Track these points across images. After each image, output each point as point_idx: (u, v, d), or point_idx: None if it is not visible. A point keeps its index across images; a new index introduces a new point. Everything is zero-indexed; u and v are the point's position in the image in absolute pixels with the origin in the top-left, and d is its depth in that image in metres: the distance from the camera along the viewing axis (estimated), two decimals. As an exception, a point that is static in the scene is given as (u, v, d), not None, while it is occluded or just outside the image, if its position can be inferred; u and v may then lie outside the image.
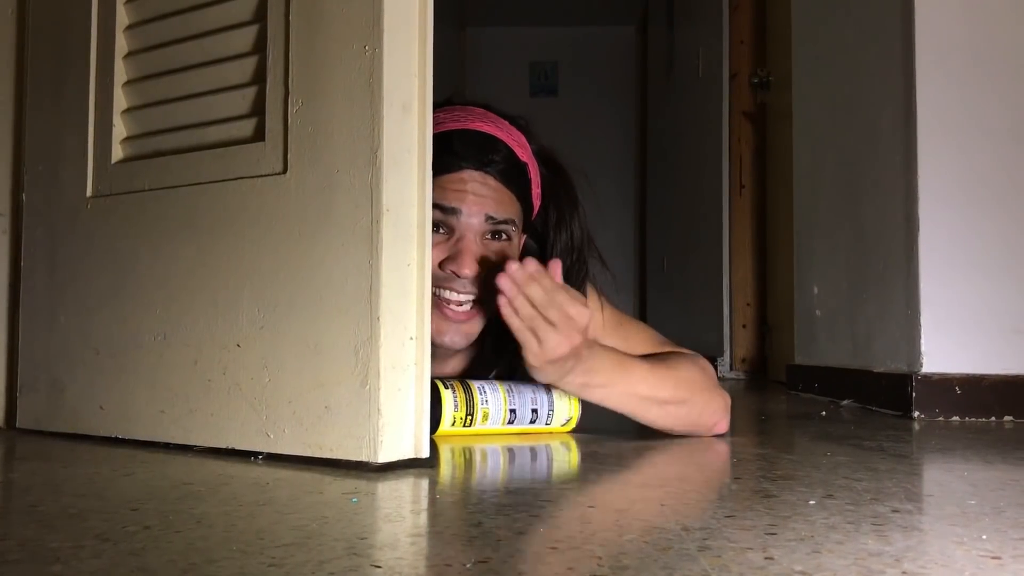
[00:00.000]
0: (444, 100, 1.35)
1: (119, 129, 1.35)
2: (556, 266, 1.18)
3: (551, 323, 1.14)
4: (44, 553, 0.69)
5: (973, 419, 1.83)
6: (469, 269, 1.25)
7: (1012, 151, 1.92)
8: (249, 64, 1.20)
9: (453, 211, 1.26)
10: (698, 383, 1.34)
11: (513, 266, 1.13)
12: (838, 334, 2.37)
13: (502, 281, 1.13)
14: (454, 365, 1.41)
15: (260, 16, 1.19)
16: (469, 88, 6.53)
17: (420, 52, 1.09)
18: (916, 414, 1.84)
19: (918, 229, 1.91)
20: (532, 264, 1.14)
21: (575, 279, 1.35)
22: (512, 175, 1.30)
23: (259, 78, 1.19)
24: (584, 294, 1.34)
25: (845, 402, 2.17)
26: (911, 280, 1.93)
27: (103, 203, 1.34)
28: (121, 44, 1.35)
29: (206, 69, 1.25)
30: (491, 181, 1.28)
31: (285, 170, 1.14)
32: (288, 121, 1.14)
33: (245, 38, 1.21)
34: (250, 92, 1.20)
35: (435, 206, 1.22)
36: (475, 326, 1.31)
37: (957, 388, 1.85)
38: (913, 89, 1.93)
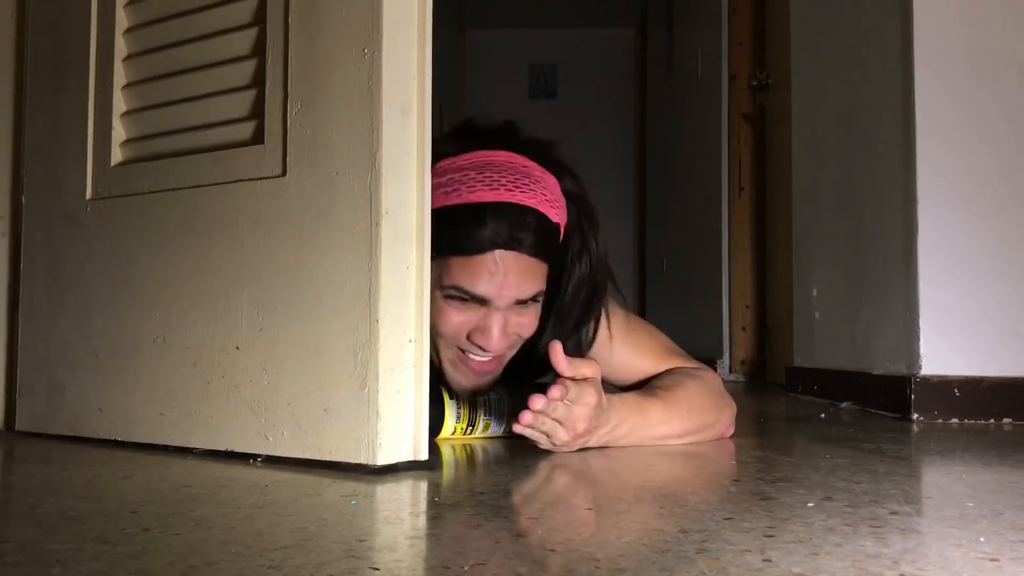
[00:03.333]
0: (464, 122, 1.32)
1: (119, 132, 1.35)
2: (556, 347, 1.15)
3: (557, 421, 1.15)
4: (43, 555, 0.69)
5: (972, 421, 1.83)
6: (497, 344, 1.24)
7: (1010, 154, 1.92)
8: (248, 67, 1.21)
9: (482, 300, 1.22)
10: (708, 405, 1.36)
11: (538, 403, 1.12)
12: (837, 336, 2.37)
13: (525, 418, 1.14)
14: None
15: (259, 19, 1.19)
16: (469, 91, 6.54)
17: (419, 55, 1.09)
18: (915, 416, 1.84)
19: (917, 231, 1.91)
20: (555, 392, 1.13)
21: (593, 305, 1.35)
22: (544, 244, 1.25)
23: (258, 81, 1.19)
24: (599, 318, 1.35)
25: (844, 404, 2.17)
26: (910, 282, 1.93)
27: (102, 205, 1.34)
28: (121, 47, 1.35)
29: (205, 72, 1.26)
30: (523, 260, 1.22)
31: (284, 173, 1.14)
32: (287, 124, 1.14)
33: (244, 41, 1.21)
34: (249, 95, 1.20)
35: (463, 291, 1.21)
36: (499, 369, 1.30)
37: (956, 390, 1.85)
38: (912, 92, 1.93)
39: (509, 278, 1.21)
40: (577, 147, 1.45)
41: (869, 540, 0.74)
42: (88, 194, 1.36)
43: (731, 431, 1.43)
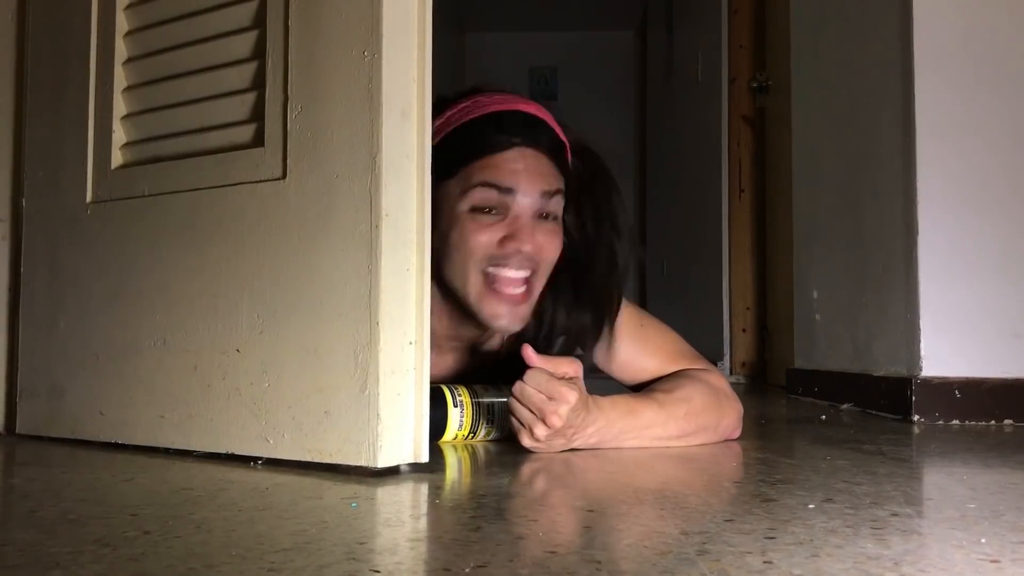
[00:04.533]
0: (472, 88, 1.36)
1: (119, 134, 1.35)
2: (527, 348, 1.18)
3: (531, 411, 1.17)
4: (44, 558, 0.69)
5: (973, 423, 1.83)
6: (531, 244, 1.25)
7: (1011, 155, 1.92)
8: (248, 69, 1.21)
9: (509, 191, 1.26)
10: (709, 408, 1.34)
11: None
12: (838, 338, 2.37)
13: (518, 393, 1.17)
14: (472, 363, 1.42)
15: (259, 22, 1.19)
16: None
17: (419, 58, 1.09)
18: (916, 418, 1.84)
19: (917, 233, 1.91)
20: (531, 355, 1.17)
21: (621, 274, 1.36)
22: (557, 152, 1.31)
23: (258, 83, 1.19)
24: (620, 294, 1.36)
25: (845, 406, 2.17)
26: (910, 284, 1.93)
27: (103, 208, 1.34)
28: (121, 50, 1.36)
29: (205, 75, 1.26)
30: (542, 157, 1.29)
31: (284, 175, 1.14)
32: (287, 126, 1.14)
33: (244, 44, 1.21)
34: (249, 97, 1.20)
35: (491, 185, 1.25)
36: (527, 308, 1.30)
37: (957, 392, 1.85)
38: (912, 93, 1.93)
39: (531, 170, 1.27)
40: (595, 148, 1.45)
41: (870, 542, 0.74)
42: (88, 197, 1.36)
43: (737, 433, 1.42)
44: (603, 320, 1.35)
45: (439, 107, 1.30)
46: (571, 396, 1.16)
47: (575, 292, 1.34)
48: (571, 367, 1.19)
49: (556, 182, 1.30)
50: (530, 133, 1.29)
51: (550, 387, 1.16)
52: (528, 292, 1.29)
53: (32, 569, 0.66)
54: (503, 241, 1.25)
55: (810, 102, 2.65)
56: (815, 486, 1.01)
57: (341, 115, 1.09)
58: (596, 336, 1.35)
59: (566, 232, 1.35)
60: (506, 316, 1.27)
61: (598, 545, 0.74)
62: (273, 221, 1.14)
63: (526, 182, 1.26)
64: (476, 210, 1.25)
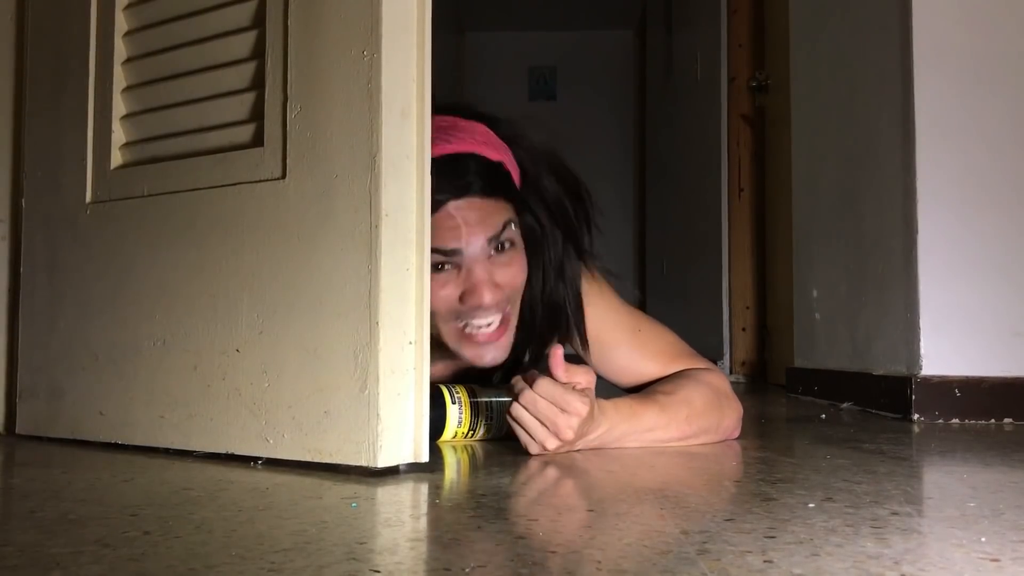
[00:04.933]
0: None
1: (118, 135, 1.35)
2: (557, 351, 1.16)
3: (542, 423, 1.16)
4: (44, 559, 0.69)
5: (972, 421, 1.83)
6: (489, 298, 1.23)
7: (1011, 154, 1.92)
8: (248, 69, 1.21)
9: (454, 252, 1.23)
10: (710, 409, 1.34)
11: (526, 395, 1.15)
12: (837, 337, 2.37)
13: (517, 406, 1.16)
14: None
15: (259, 21, 1.19)
16: (468, 93, 6.54)
17: (419, 57, 1.09)
18: (916, 417, 1.84)
19: (917, 232, 1.91)
20: (541, 384, 1.15)
21: (568, 246, 1.34)
22: (492, 183, 1.26)
23: (258, 83, 1.19)
24: (577, 267, 1.35)
25: (845, 405, 2.17)
26: (910, 283, 1.93)
27: (102, 209, 1.34)
28: (120, 50, 1.36)
29: (205, 75, 1.26)
30: (476, 202, 1.24)
31: (284, 175, 1.14)
32: (287, 126, 1.14)
33: (243, 43, 1.21)
34: (249, 97, 1.20)
35: (435, 251, 1.20)
36: (509, 338, 1.29)
37: (956, 390, 1.85)
38: (911, 92, 1.93)
39: (470, 223, 1.23)
40: (576, 149, 1.45)
41: (870, 541, 0.74)
42: (88, 197, 1.36)
43: (737, 433, 1.42)
44: (574, 282, 1.34)
45: None
46: (583, 409, 1.15)
47: (544, 267, 1.33)
48: (585, 377, 1.18)
49: (502, 215, 1.26)
50: (454, 182, 1.22)
51: (564, 400, 1.14)
52: (505, 324, 1.27)
53: (32, 570, 0.66)
54: (463, 297, 1.24)
55: (810, 101, 2.65)
56: (815, 485, 1.01)
57: (340, 115, 1.09)
58: (571, 300, 1.34)
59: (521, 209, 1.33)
60: (489, 354, 1.27)
61: (598, 544, 0.74)
62: (273, 221, 1.14)
63: (468, 236, 1.22)
64: (432, 269, 1.22)
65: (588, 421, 1.18)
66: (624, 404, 1.28)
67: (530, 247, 1.33)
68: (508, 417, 1.18)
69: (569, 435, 1.16)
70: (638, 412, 1.28)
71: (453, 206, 1.22)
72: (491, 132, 1.30)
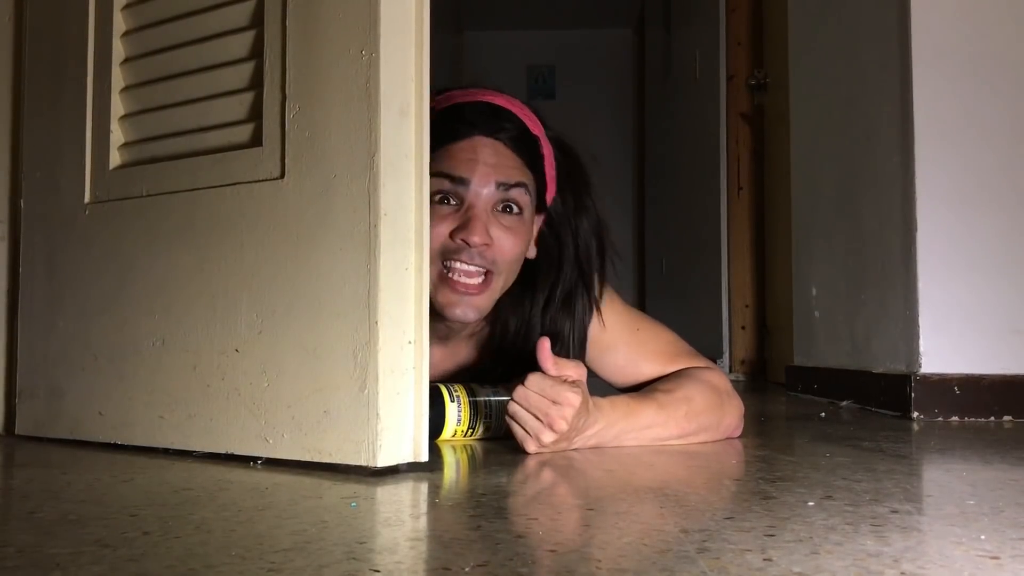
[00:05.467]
0: (455, 85, 1.35)
1: (117, 135, 1.35)
2: (544, 343, 1.16)
3: (536, 417, 1.16)
4: (43, 559, 0.69)
5: (972, 419, 1.83)
6: (479, 236, 1.23)
7: (1009, 152, 1.92)
8: (246, 69, 1.21)
9: (462, 181, 1.24)
10: (710, 407, 1.34)
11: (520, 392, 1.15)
12: (837, 335, 2.37)
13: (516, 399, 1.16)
14: (465, 354, 1.41)
15: (257, 21, 1.19)
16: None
17: (417, 56, 1.09)
18: (915, 414, 1.84)
19: (916, 230, 1.91)
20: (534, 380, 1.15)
21: (593, 272, 1.36)
22: (523, 144, 1.29)
23: (256, 83, 1.19)
24: (601, 290, 1.36)
25: (844, 403, 2.17)
26: (909, 281, 1.93)
27: (101, 209, 1.34)
28: (118, 50, 1.35)
29: (203, 74, 1.26)
30: (502, 148, 1.26)
31: (283, 175, 1.14)
32: (285, 126, 1.14)
33: (242, 43, 1.21)
34: (247, 97, 1.20)
35: (444, 175, 1.23)
36: (486, 299, 1.28)
37: (956, 388, 1.85)
38: (910, 90, 1.93)
39: (488, 162, 1.25)
40: (576, 148, 1.45)
41: (870, 539, 0.74)
42: (87, 198, 1.36)
43: (739, 431, 1.41)
44: (582, 320, 1.35)
45: None
46: (575, 400, 1.15)
47: (551, 290, 1.34)
48: (575, 370, 1.18)
49: (517, 174, 1.27)
50: (490, 123, 1.26)
51: (554, 391, 1.15)
52: (486, 284, 1.27)
53: (32, 570, 0.66)
54: (454, 233, 1.24)
55: (808, 99, 2.65)
56: (815, 483, 1.01)
57: (339, 114, 1.09)
58: (575, 335, 1.34)
59: (548, 227, 1.34)
60: (459, 306, 1.26)
61: (598, 543, 0.74)
62: (271, 221, 1.14)
63: (481, 173, 1.24)
64: (432, 201, 1.22)
65: (582, 413, 1.18)
66: (621, 402, 1.28)
67: (542, 265, 1.33)
68: (506, 417, 1.18)
69: (563, 426, 1.16)
70: (636, 410, 1.27)
71: (478, 140, 1.26)
72: (540, 124, 1.34)
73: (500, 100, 1.30)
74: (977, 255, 1.91)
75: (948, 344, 1.89)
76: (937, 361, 1.89)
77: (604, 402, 1.24)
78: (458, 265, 1.25)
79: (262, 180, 1.16)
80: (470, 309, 1.27)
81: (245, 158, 1.18)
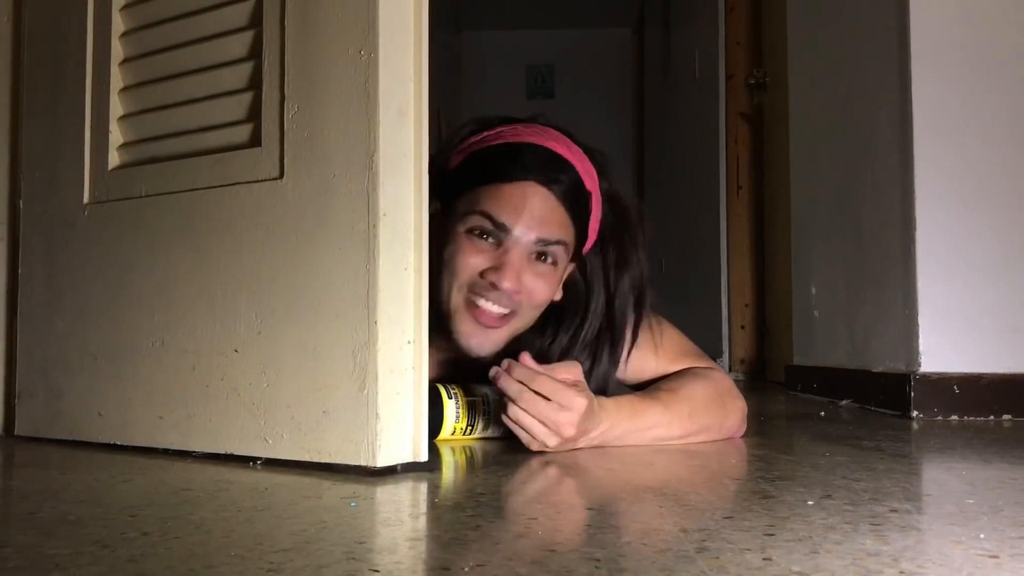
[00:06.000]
0: (529, 117, 1.34)
1: (115, 135, 1.35)
2: (524, 355, 1.15)
3: (541, 422, 1.14)
4: (43, 560, 0.69)
5: (971, 418, 1.83)
6: (510, 283, 1.23)
7: (1009, 151, 1.92)
8: (245, 69, 1.21)
9: (504, 228, 1.23)
10: (713, 407, 1.34)
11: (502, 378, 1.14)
12: (836, 334, 2.37)
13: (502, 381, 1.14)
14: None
15: (255, 21, 1.19)
16: (466, 92, 6.54)
17: (416, 56, 1.09)
18: (915, 414, 1.84)
19: (915, 229, 1.91)
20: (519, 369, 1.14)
21: (631, 323, 1.34)
22: (574, 199, 1.26)
23: (255, 83, 1.19)
24: (635, 336, 1.34)
25: (844, 402, 2.17)
26: (909, 280, 1.93)
27: (100, 209, 1.34)
28: (117, 50, 1.35)
29: (202, 75, 1.26)
30: (552, 200, 1.24)
31: (282, 175, 1.14)
32: (284, 126, 1.14)
33: (240, 43, 1.21)
34: (246, 97, 1.20)
35: (487, 216, 1.22)
36: (503, 335, 1.28)
37: (955, 387, 1.85)
38: (909, 89, 1.93)
39: (535, 211, 1.23)
40: (629, 201, 1.43)
41: (869, 538, 0.74)
42: (86, 198, 1.36)
43: (742, 432, 1.41)
44: (604, 372, 1.33)
45: (477, 128, 1.30)
46: (582, 405, 1.15)
47: (572, 334, 1.32)
48: (570, 372, 1.17)
49: (560, 232, 1.25)
50: (546, 171, 1.24)
51: (560, 395, 1.14)
52: (507, 320, 1.27)
53: (31, 571, 0.66)
54: (487, 271, 1.24)
55: (807, 98, 2.65)
56: (814, 482, 1.01)
57: (338, 114, 1.09)
58: (592, 383, 1.30)
59: (582, 277, 1.33)
60: (476, 337, 1.26)
61: (597, 543, 0.74)
62: (271, 221, 1.14)
63: (525, 223, 1.23)
64: (472, 232, 1.24)
65: (588, 416, 1.17)
66: (625, 402, 1.27)
67: (567, 309, 1.32)
68: (504, 418, 1.17)
69: (570, 431, 1.15)
70: (640, 410, 1.27)
71: (530, 187, 1.24)
72: (596, 177, 1.31)
73: (561, 147, 1.28)
74: (976, 254, 1.91)
75: (947, 343, 1.89)
76: (936, 360, 1.89)
77: (609, 403, 1.24)
78: (483, 303, 1.25)
79: (261, 180, 1.16)
80: (487, 342, 1.27)
81: (244, 158, 1.18)
